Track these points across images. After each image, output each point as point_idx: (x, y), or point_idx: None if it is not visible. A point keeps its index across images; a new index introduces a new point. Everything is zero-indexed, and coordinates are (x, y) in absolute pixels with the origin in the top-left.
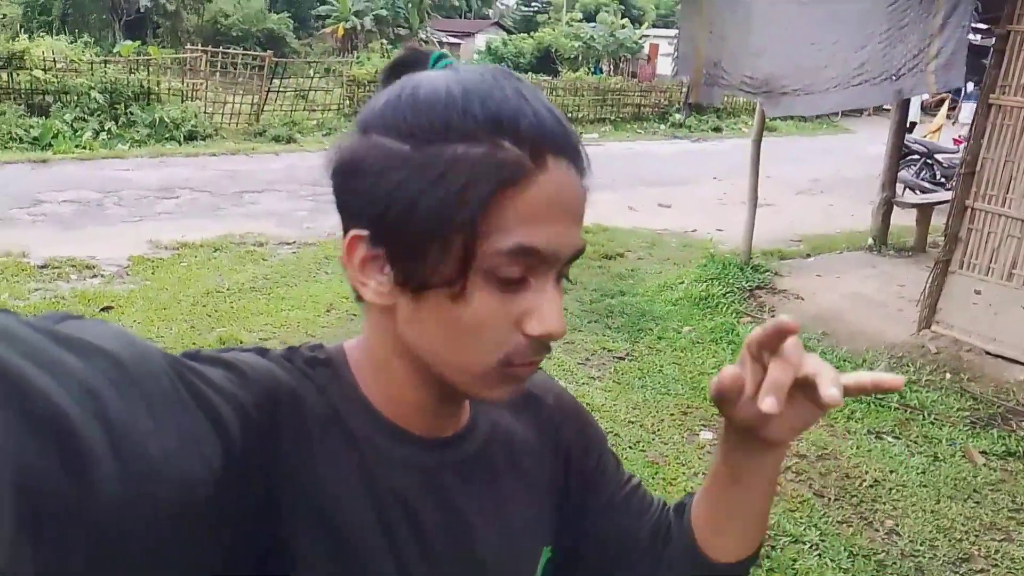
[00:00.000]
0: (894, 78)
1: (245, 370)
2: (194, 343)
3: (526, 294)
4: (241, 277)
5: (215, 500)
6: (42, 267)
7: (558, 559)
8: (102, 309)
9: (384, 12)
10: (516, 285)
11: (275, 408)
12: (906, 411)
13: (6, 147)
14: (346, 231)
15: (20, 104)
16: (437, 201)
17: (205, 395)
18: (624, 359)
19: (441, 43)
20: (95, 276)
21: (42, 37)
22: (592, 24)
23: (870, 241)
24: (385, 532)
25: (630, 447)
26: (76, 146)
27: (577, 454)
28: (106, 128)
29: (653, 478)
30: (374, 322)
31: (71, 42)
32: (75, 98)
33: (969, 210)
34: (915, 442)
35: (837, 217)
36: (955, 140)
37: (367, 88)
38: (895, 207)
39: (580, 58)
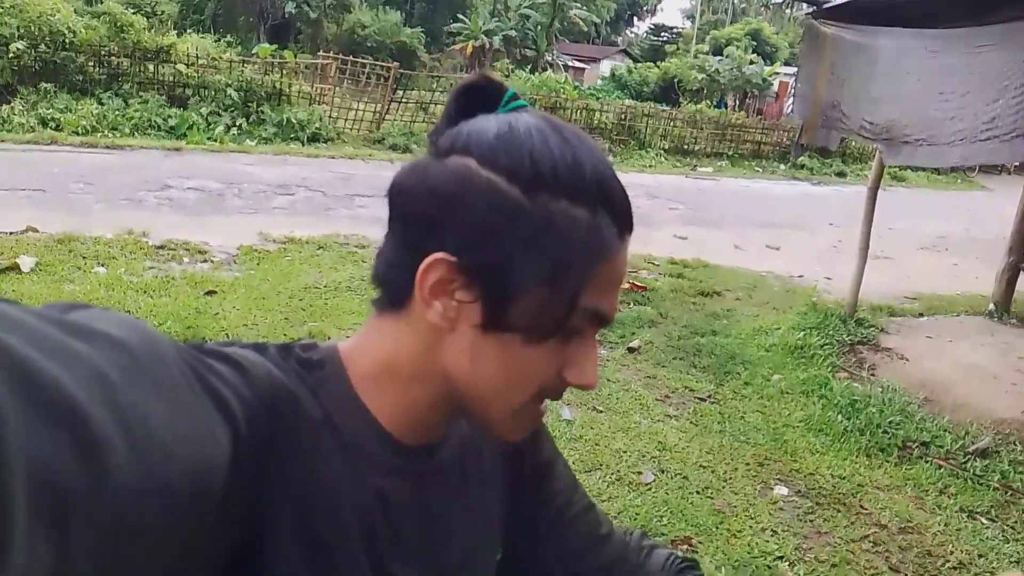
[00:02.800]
0: None
1: (246, 366)
2: (286, 334)
3: (571, 345)
4: (339, 276)
5: (226, 488)
6: (159, 248)
7: (508, 557)
8: (206, 293)
9: (513, 33)
10: (571, 337)
11: (272, 406)
12: (1007, 493)
13: (145, 133)
14: (418, 248)
15: (162, 95)
16: (547, 259)
17: (214, 384)
18: (706, 401)
19: (566, 67)
20: (205, 261)
21: (189, 34)
22: (719, 58)
23: (991, 307)
24: (364, 535)
25: (697, 492)
26: (208, 138)
27: (530, 460)
28: (237, 124)
29: (717, 527)
30: (412, 340)
31: (215, 40)
32: (212, 93)
33: None
34: (1012, 527)
35: (960, 278)
36: None
37: None
38: (1022, 273)
39: (704, 91)
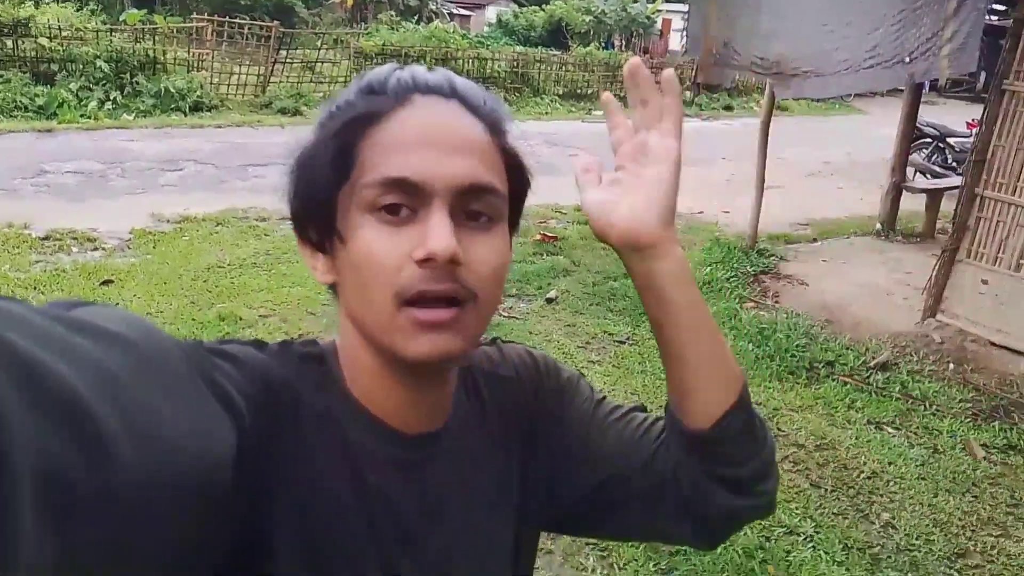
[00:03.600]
0: (906, 61)
1: (246, 362)
2: (193, 319)
3: (411, 226)
4: (243, 252)
5: (231, 482)
6: (44, 239)
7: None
8: (102, 283)
9: None
10: (405, 221)
11: (273, 402)
12: (908, 401)
13: (11, 115)
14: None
15: (25, 72)
16: (312, 160)
17: (218, 381)
18: (625, 343)
19: (451, 15)
20: (96, 249)
21: (48, 4)
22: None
23: (878, 226)
24: (370, 525)
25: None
26: (81, 116)
27: (545, 416)
28: (111, 98)
29: None
30: (341, 313)
31: (77, 9)
32: (80, 67)
33: (979, 198)
34: (915, 433)
35: (846, 201)
36: (968, 124)
37: (374, 60)
38: (905, 192)
39: (592, 33)
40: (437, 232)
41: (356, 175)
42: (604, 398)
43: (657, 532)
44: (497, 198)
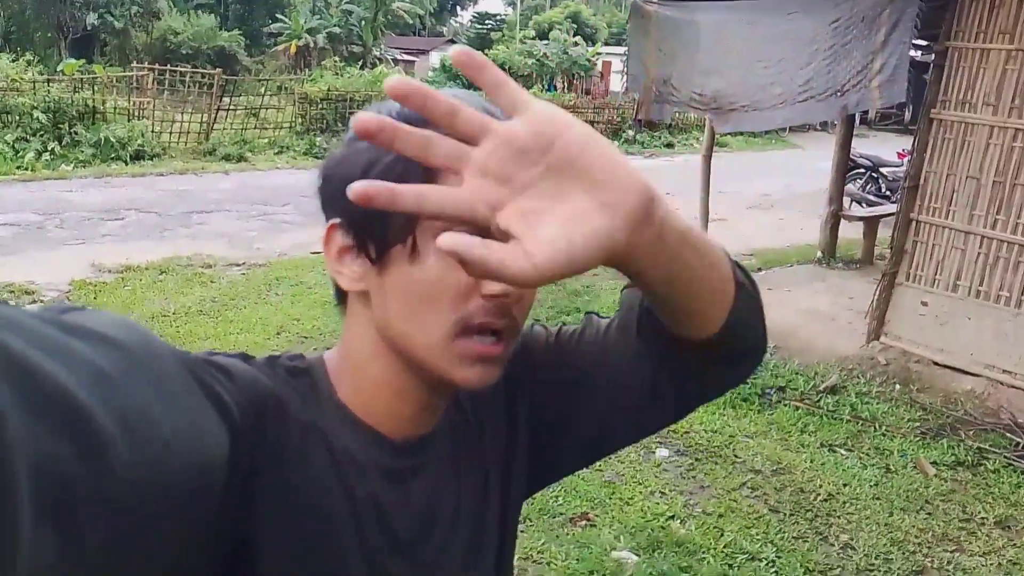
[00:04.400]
0: (839, 94)
1: (234, 373)
2: None
3: None
4: (188, 300)
5: (226, 482)
6: None
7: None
8: None
9: (337, 30)
10: None
11: (260, 412)
12: (858, 423)
13: None
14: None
15: None
16: (388, 162)
17: (210, 384)
18: None
19: (395, 60)
20: (34, 302)
21: None
22: (545, 42)
23: (819, 254)
24: (359, 535)
25: (586, 469)
26: (17, 167)
27: (542, 387)
28: (49, 148)
29: (610, 498)
30: (354, 318)
31: (13, 60)
32: (16, 118)
33: (914, 223)
34: (867, 454)
35: (788, 231)
36: (899, 154)
37: (319, 105)
38: (843, 220)
39: (534, 75)
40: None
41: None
42: (559, 329)
43: (642, 427)
44: None
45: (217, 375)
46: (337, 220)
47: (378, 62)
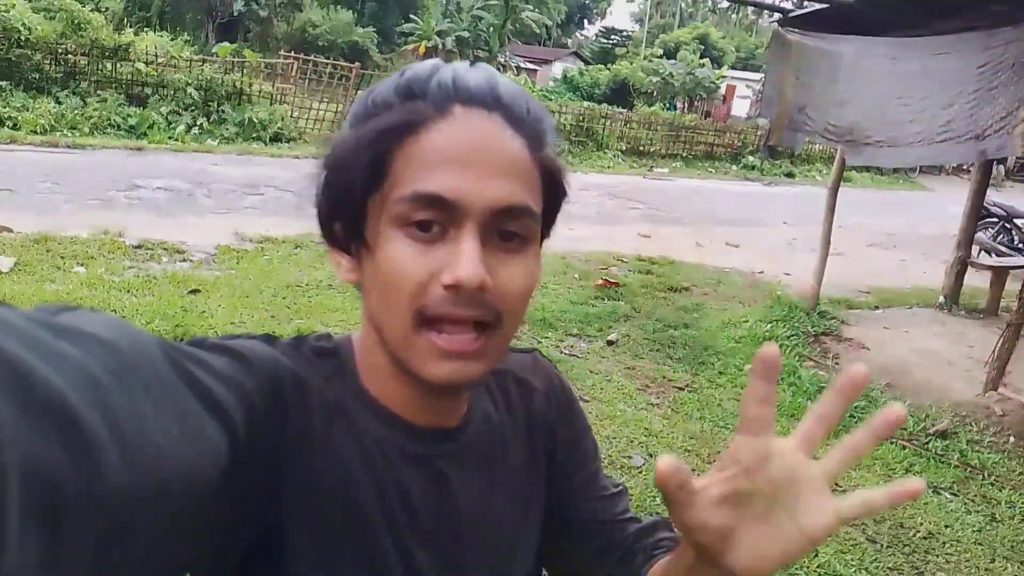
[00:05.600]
0: (979, 138)
1: (249, 357)
2: (273, 331)
3: (445, 246)
4: (319, 275)
5: (223, 487)
6: (136, 247)
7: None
8: (190, 291)
9: (466, 34)
10: (434, 239)
11: (279, 395)
12: (966, 470)
13: (104, 132)
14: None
15: (121, 93)
16: (346, 162)
17: (202, 383)
18: (684, 389)
19: (519, 68)
20: (185, 260)
21: (146, 32)
22: (672, 61)
23: (941, 299)
24: (386, 518)
25: None
26: (169, 137)
27: (563, 441)
28: (198, 123)
29: None
30: (362, 311)
31: (172, 39)
32: (172, 92)
33: None
34: (973, 500)
35: (909, 272)
36: None
37: None
38: (969, 268)
39: (656, 93)
40: (466, 259)
41: (388, 185)
42: (597, 460)
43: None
44: (531, 219)
45: (222, 368)
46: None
47: (502, 68)
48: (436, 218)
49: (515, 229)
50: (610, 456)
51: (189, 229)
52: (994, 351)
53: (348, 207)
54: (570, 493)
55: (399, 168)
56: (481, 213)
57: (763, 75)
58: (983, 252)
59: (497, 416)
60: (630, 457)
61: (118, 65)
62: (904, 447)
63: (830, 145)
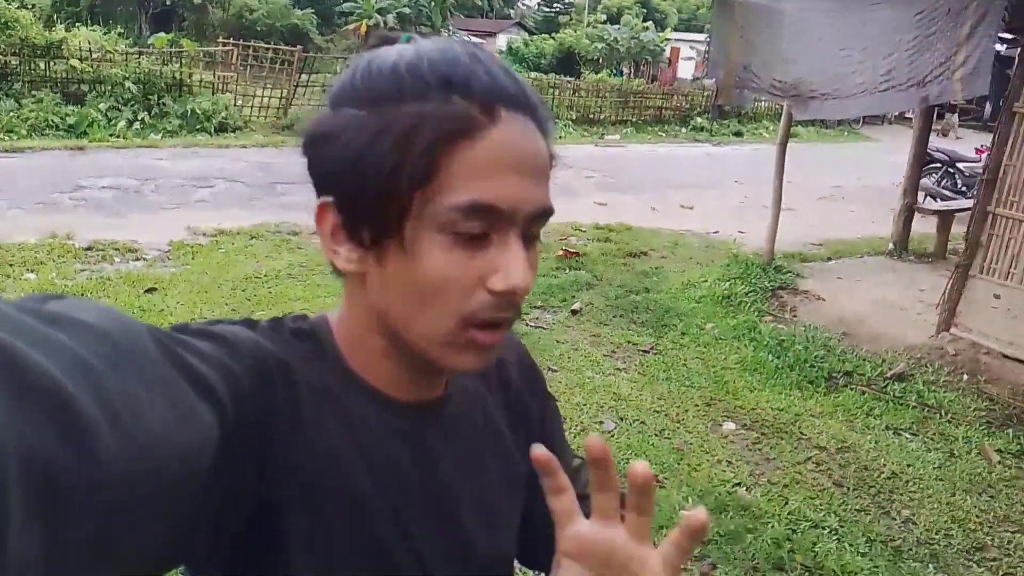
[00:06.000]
0: (920, 85)
1: (233, 341)
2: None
3: (489, 251)
4: (278, 264)
5: (215, 470)
6: (87, 249)
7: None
8: (146, 290)
9: (407, 10)
10: (478, 243)
11: (265, 378)
12: (924, 410)
13: (43, 134)
14: (319, 197)
15: (57, 92)
16: (382, 153)
17: (192, 366)
18: (649, 353)
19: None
20: (138, 259)
21: (78, 28)
22: (615, 26)
23: (891, 246)
24: (380, 492)
25: (655, 435)
26: (111, 135)
27: (536, 412)
28: (139, 118)
29: (678, 464)
30: (349, 295)
31: (105, 32)
32: (109, 88)
33: (991, 216)
34: (932, 439)
35: (858, 223)
36: (977, 150)
37: None
38: (916, 214)
39: (602, 60)
40: (518, 266)
41: (435, 189)
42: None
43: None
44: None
45: (209, 351)
46: (329, 199)
47: None
48: (485, 228)
49: (536, 231)
50: (582, 422)
51: (140, 227)
52: (944, 293)
53: (380, 202)
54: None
55: (451, 173)
56: (524, 219)
57: (707, 36)
58: (928, 198)
59: (474, 387)
60: (602, 422)
61: (51, 63)
62: (864, 392)
63: (776, 101)
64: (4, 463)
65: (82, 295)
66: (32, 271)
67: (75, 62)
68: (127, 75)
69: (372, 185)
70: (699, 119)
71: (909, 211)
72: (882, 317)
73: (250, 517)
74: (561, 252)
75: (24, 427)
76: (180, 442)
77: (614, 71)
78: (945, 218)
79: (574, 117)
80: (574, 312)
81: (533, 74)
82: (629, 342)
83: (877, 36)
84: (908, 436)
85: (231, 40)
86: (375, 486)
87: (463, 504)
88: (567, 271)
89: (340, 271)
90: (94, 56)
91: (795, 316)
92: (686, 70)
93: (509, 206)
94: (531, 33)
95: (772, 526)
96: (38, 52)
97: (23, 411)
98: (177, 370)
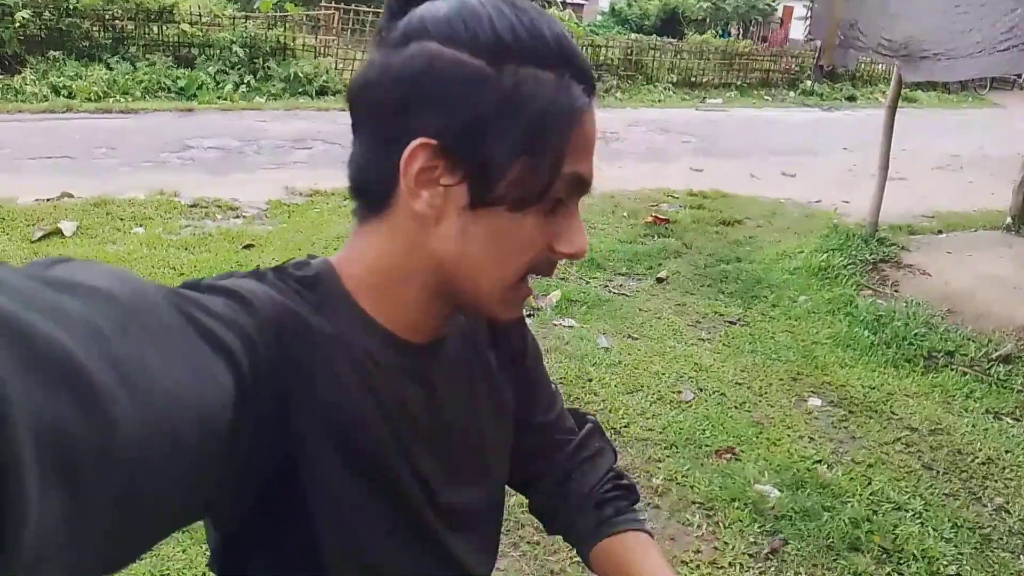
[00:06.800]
0: None
1: (246, 296)
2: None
3: (557, 217)
4: None
5: (233, 427)
6: (192, 206)
7: None
8: (244, 247)
9: None
10: (554, 209)
11: (280, 332)
12: None
13: (155, 96)
14: (393, 141)
15: (169, 56)
16: (525, 127)
17: (205, 324)
18: (736, 324)
19: (564, 3)
20: (238, 217)
21: None
22: None
23: (1008, 220)
24: (392, 435)
25: (735, 407)
26: (218, 97)
27: (518, 356)
28: (245, 81)
29: (757, 437)
30: (399, 236)
31: None
32: (217, 52)
33: None
34: None
35: (975, 195)
36: None
37: None
38: None
39: (708, 20)
40: (583, 233)
41: (559, 158)
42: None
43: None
44: None
45: (222, 310)
46: (432, 142)
47: (547, 4)
48: (570, 195)
49: None
50: (659, 392)
51: (241, 186)
52: None
53: (507, 162)
54: (526, 395)
55: (562, 148)
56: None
57: None
58: None
59: (468, 325)
60: (680, 392)
61: (164, 27)
62: (965, 373)
63: (885, 62)
64: (21, 436)
65: (185, 249)
66: (141, 225)
67: (186, 26)
68: (234, 39)
69: (509, 149)
70: (809, 83)
71: None
72: (991, 295)
73: (273, 470)
74: (650, 218)
75: (38, 398)
76: (196, 404)
77: (721, 32)
78: None
79: (675, 80)
80: (660, 280)
81: (633, 35)
82: (715, 312)
83: None
84: (1009, 421)
85: (333, 4)
86: (387, 425)
87: (461, 438)
88: (655, 238)
89: (377, 205)
90: (203, 20)
91: (896, 291)
92: (799, 31)
93: (590, 180)
94: None
95: (851, 505)
96: (151, 17)
97: (36, 382)
98: (192, 329)
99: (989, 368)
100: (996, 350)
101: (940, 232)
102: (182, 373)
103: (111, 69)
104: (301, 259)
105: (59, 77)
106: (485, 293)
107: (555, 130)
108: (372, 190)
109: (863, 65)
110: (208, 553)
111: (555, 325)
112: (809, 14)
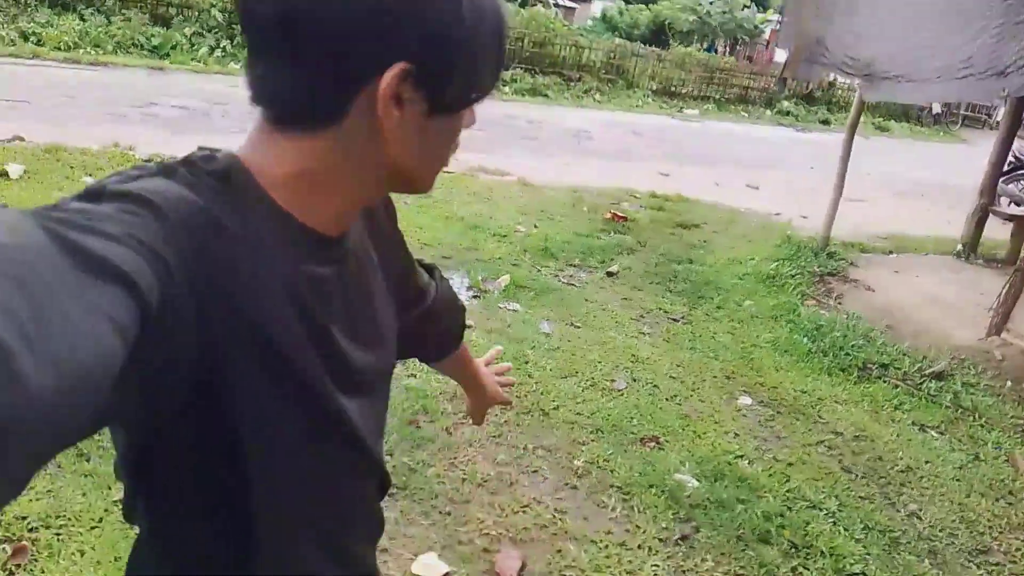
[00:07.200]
0: (1001, 75)
1: (154, 199)
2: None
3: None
4: None
5: (141, 349)
6: (146, 161)
7: None
8: None
9: None
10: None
11: (192, 234)
12: (957, 411)
13: (127, 51)
14: (360, 66)
15: (146, 13)
16: (484, 39)
17: (93, 253)
18: (679, 321)
19: (557, 5)
20: None
21: None
22: (711, 0)
23: (959, 247)
24: (313, 322)
25: (667, 399)
26: (192, 59)
27: (388, 239)
28: (221, 46)
29: (683, 429)
30: (349, 148)
31: None
32: (196, 14)
33: None
34: (959, 440)
35: (931, 222)
36: None
37: None
38: (992, 216)
39: (694, 34)
40: (473, 110)
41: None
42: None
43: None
44: None
45: (123, 223)
46: (409, 66)
47: (538, 3)
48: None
49: None
50: (593, 378)
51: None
52: (1000, 296)
53: (466, 72)
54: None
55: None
56: None
57: (783, 4)
58: (1013, 204)
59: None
60: (613, 380)
61: None
62: (896, 386)
63: (847, 79)
64: None
65: None
66: (90, 175)
67: None
68: (214, 3)
69: (470, 59)
70: (786, 103)
71: (983, 213)
72: (931, 314)
73: (191, 379)
74: (609, 215)
75: None
76: (98, 339)
77: (707, 47)
78: (1021, 223)
79: (655, 88)
80: (610, 274)
81: (618, 41)
82: (660, 309)
83: (960, 19)
84: (934, 434)
85: None
86: (301, 311)
87: (367, 309)
88: (611, 234)
89: (320, 117)
90: None
91: (840, 303)
92: (783, 54)
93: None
94: (628, 2)
95: (767, 500)
96: None
97: None
98: (79, 263)
99: (921, 383)
100: (930, 366)
101: (891, 252)
102: (80, 318)
103: (84, 20)
104: (206, 151)
105: (29, 23)
106: (431, 177)
107: (502, 45)
108: (315, 110)
109: (839, 91)
110: (114, 462)
111: (500, 308)
112: (779, 25)
